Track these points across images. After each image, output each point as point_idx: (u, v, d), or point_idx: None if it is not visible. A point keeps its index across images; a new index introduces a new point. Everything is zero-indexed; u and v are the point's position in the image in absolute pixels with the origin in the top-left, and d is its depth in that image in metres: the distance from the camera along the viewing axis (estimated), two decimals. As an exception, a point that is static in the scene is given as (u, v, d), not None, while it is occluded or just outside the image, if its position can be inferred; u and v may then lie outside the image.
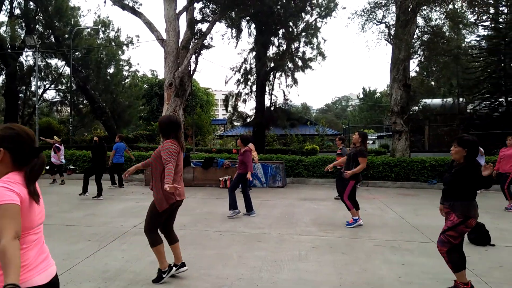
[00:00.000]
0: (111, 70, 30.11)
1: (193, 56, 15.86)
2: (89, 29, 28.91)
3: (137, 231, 6.18)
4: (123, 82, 31.36)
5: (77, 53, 27.54)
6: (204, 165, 12.83)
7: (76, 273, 4.31)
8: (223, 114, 51.34)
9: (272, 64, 20.76)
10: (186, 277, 4.20)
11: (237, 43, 21.83)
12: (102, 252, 5.14)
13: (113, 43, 30.14)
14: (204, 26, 16.03)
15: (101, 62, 28.50)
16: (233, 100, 22.85)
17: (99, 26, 29.68)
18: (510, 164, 8.81)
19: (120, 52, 30.94)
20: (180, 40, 15.28)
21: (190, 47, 15.34)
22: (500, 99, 19.64)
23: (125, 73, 32.26)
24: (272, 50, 21.37)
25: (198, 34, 15.92)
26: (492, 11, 19.98)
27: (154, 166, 4.04)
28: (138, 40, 36.36)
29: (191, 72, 16.15)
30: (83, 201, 9.30)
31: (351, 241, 5.88)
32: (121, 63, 31.29)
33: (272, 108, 21.81)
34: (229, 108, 23.04)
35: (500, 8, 20.12)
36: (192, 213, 7.90)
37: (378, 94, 61.15)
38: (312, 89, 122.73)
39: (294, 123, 23.66)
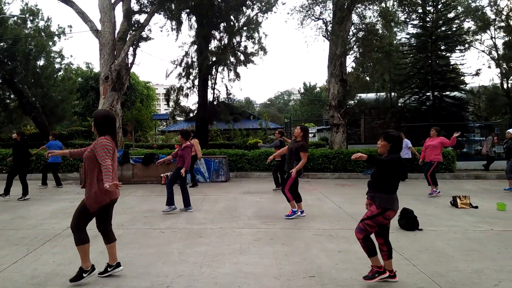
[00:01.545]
0: (41, 62, 28.02)
1: (131, 49, 15.26)
2: (15, 18, 26.66)
3: (70, 233, 5.83)
4: (55, 75, 29.31)
5: (1, 44, 25.30)
6: (144, 162, 12.44)
7: (1, 281, 3.99)
8: (165, 109, 50.16)
9: (214, 58, 20.57)
10: (124, 277, 4.06)
11: (177, 36, 21.24)
12: (31, 256, 4.80)
13: (42, 33, 28.06)
14: (142, 17, 15.49)
15: (30, 53, 26.43)
16: (175, 94, 22.31)
17: (27, 15, 27.47)
18: (434, 153, 9.54)
19: (51, 43, 28.90)
20: (117, 32, 14.63)
21: (127, 39, 14.74)
22: (428, 94, 21.09)
23: (57, 66, 30.19)
24: (214, 44, 21.18)
25: (136, 25, 15.33)
26: (420, 10, 21.38)
27: (89, 165, 3.84)
28: (70, 30, 34.28)
29: (129, 65, 15.54)
30: (10, 203, 8.61)
31: (291, 232, 6.03)
32: (52, 55, 29.24)
33: (215, 103, 21.65)
34: (171, 103, 22.50)
35: (428, 8, 21.56)
36: (131, 212, 7.64)
37: (318, 89, 63.13)
38: (255, 83, 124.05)
39: (237, 118, 23.68)
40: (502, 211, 7.61)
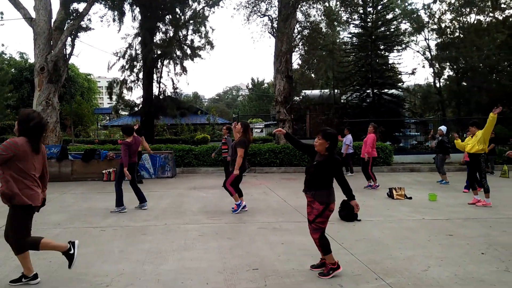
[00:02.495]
0: (-33, 51, 25.69)
1: (69, 39, 14.43)
2: None
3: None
4: (-17, 65, 27.06)
5: None
6: (84, 158, 11.87)
7: None
8: (108, 103, 48.01)
9: (159, 51, 20.06)
10: (60, 279, 3.86)
11: (120, 27, 20.49)
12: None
13: (-32, 20, 25.66)
14: (81, 6, 14.66)
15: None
16: (118, 87, 21.46)
17: None
18: (366, 149, 10.03)
19: (-22, 31, 26.58)
20: (53, 20, 13.77)
21: (64, 28, 13.91)
22: (368, 91, 22.15)
23: (-14, 55, 27.88)
24: (159, 36, 20.65)
25: (74, 14, 14.50)
26: (361, 11, 22.33)
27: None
28: (1, 17, 31.62)
29: (67, 56, 14.70)
30: None
31: (236, 226, 6.07)
32: (-20, 43, 26.91)
33: (161, 97, 21.17)
34: (114, 97, 21.64)
35: (368, 9, 22.57)
36: (69, 210, 7.27)
37: (266, 85, 63.77)
38: (203, 78, 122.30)
39: (184, 112, 23.35)
40: (433, 201, 8.19)
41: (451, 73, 28.22)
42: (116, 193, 7.12)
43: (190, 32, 22.49)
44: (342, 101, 24.23)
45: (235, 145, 6.84)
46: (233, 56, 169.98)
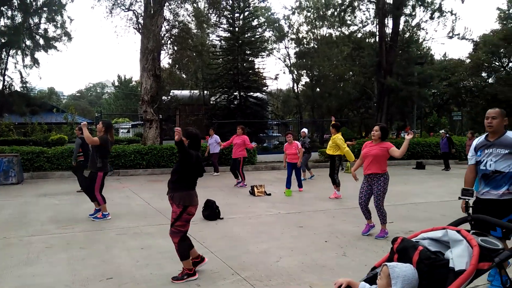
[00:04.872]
0: None
1: None
2: None
3: None
4: None
5: None
6: None
7: None
8: None
9: (3, 39, 17.47)
10: None
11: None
12: None
13: None
14: None
15: None
16: None
17: None
18: (239, 150, 10.46)
19: None
20: None
21: None
22: (235, 93, 23.03)
23: None
24: (3, 22, 18.02)
25: None
26: (229, 15, 23.08)
27: None
28: None
29: None
30: None
31: (92, 234, 5.64)
32: None
33: (6, 92, 18.53)
34: None
35: (236, 14, 23.45)
36: None
37: (134, 83, 60.90)
38: (62, 73, 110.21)
39: (36, 110, 20.90)
40: (289, 197, 8.94)
41: (307, 79, 31.29)
42: None
43: (43, 20, 20.40)
44: (211, 102, 24.68)
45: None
46: (97, 51, 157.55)
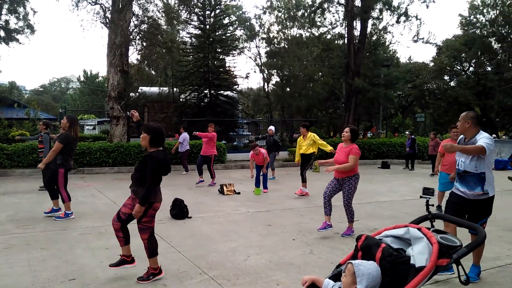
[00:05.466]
0: None
1: None
2: None
3: None
4: None
5: None
6: None
7: None
8: None
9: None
10: None
11: None
12: None
13: None
14: None
15: None
16: None
17: None
18: (210, 148, 10.39)
19: None
20: None
21: None
22: (206, 91, 22.82)
23: None
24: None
25: None
26: (200, 13, 22.83)
27: None
28: None
29: None
30: None
31: (54, 234, 5.45)
32: None
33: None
34: None
35: (207, 12, 23.24)
36: None
37: (101, 78, 59.15)
38: (24, 66, 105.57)
39: (-6, 105, 19.93)
40: (258, 195, 8.97)
41: (278, 79, 31.46)
42: None
43: (4, 11, 19.60)
44: (181, 100, 24.33)
45: (56, 140, 6.17)
46: (62, 45, 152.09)
